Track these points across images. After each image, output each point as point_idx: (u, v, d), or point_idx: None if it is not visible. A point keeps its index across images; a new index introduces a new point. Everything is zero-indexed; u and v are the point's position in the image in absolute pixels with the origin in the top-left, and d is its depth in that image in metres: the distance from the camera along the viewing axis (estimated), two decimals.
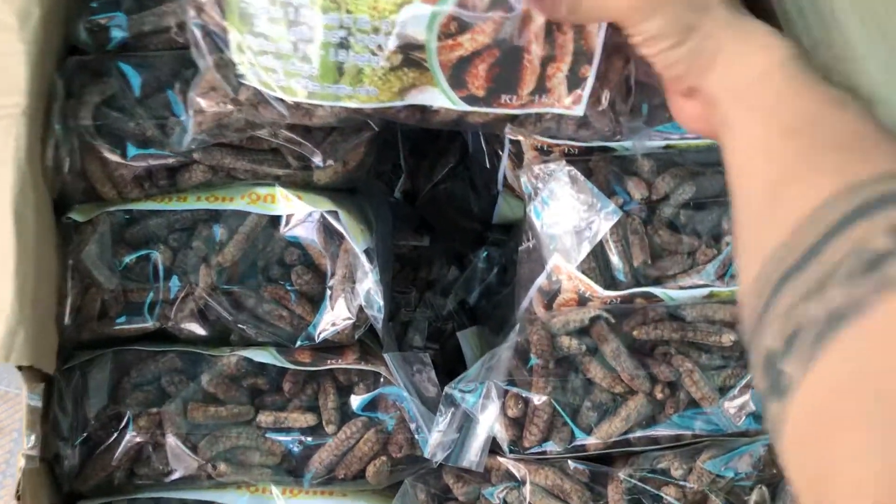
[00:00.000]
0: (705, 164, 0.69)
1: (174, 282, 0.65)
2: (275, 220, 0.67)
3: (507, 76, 0.56)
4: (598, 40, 0.56)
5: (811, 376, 0.35)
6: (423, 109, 0.59)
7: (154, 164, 0.65)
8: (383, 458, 0.64)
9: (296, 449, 0.64)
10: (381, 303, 0.65)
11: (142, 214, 0.67)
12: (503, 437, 0.63)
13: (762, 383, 0.38)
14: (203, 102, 0.59)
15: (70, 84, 0.66)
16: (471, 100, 0.57)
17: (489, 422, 0.63)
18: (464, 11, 0.52)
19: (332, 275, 0.66)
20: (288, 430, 0.64)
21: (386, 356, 0.67)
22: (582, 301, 0.67)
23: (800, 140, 0.42)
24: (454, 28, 0.53)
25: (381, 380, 0.66)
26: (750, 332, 0.40)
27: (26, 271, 0.59)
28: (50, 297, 0.65)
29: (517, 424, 0.64)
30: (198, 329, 0.66)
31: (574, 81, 0.57)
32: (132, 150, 0.65)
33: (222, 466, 0.63)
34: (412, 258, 0.89)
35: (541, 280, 0.69)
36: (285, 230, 0.67)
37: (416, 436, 0.64)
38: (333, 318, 0.66)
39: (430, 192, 0.88)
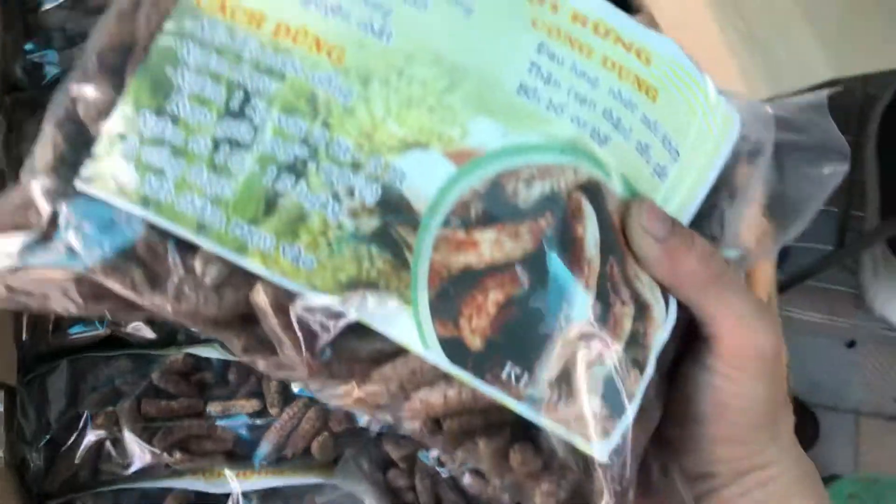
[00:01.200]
0: None
1: None
2: None
3: (526, 335, 0.34)
4: (660, 336, 0.36)
5: None
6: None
7: None
8: (325, 433, 0.70)
9: (245, 433, 0.70)
10: None
11: None
12: None
13: None
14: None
15: (11, 119, 0.72)
16: (454, 350, 0.33)
17: None
18: (500, 194, 0.34)
19: None
20: (236, 416, 0.70)
21: None
22: None
23: None
24: (475, 214, 0.34)
25: None
26: None
27: None
28: (6, 317, 0.70)
29: None
30: (146, 332, 0.71)
31: (613, 399, 0.34)
32: None
33: (178, 455, 0.68)
34: None
35: None
36: None
37: None
38: None
39: None
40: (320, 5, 0.34)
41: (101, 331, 0.71)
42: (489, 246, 0.34)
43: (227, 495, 0.69)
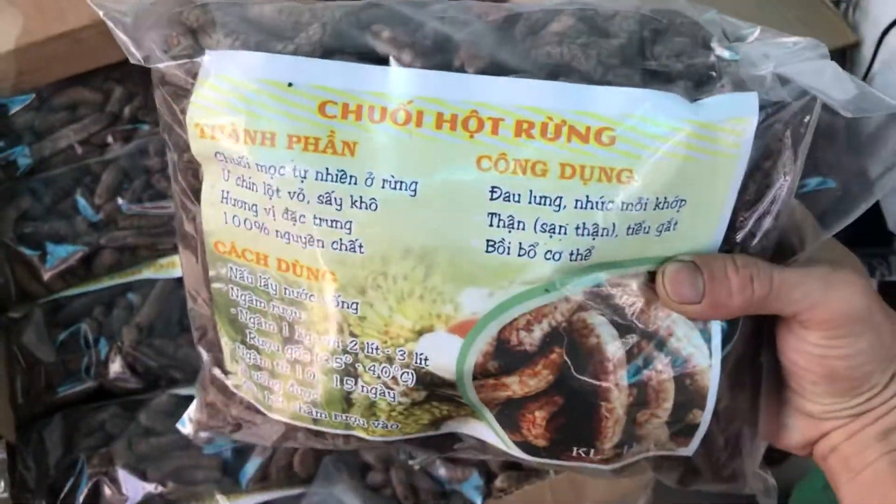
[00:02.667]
0: None
1: (103, 344, 0.78)
2: (180, 280, 0.80)
3: (578, 428, 0.41)
4: (712, 376, 0.40)
5: None
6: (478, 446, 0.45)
7: (71, 261, 0.79)
8: (306, 448, 0.75)
9: (230, 456, 0.75)
10: None
11: (67, 300, 0.79)
12: None
13: None
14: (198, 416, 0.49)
15: None
16: (529, 449, 0.42)
17: None
18: (507, 348, 0.39)
19: None
20: (221, 442, 0.76)
21: None
22: None
23: None
24: (494, 368, 0.39)
25: None
26: None
27: None
28: (1, 381, 0.77)
29: None
30: (130, 382, 0.78)
31: (679, 428, 0.41)
32: (51, 249, 0.79)
33: (171, 485, 0.73)
34: None
35: None
36: None
37: None
38: None
39: None
40: (298, 238, 0.39)
41: (90, 384, 0.77)
42: (517, 386, 0.40)
43: None
